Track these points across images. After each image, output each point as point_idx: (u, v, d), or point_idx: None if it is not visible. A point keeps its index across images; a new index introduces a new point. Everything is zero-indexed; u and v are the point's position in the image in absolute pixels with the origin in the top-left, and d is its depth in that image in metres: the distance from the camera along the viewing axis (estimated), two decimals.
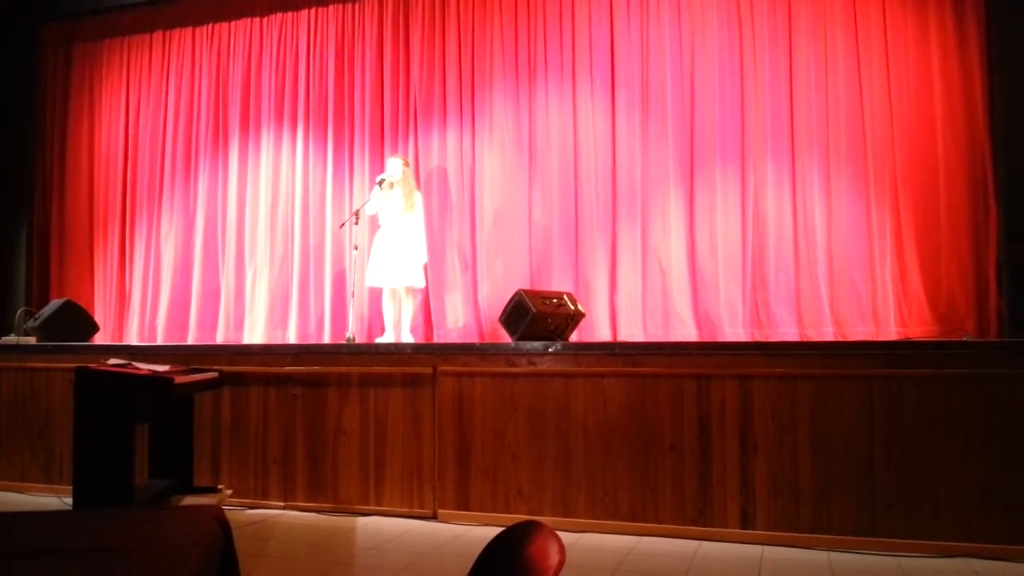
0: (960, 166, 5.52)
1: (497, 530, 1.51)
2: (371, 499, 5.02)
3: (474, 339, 6.37)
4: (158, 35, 7.87)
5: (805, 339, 5.61)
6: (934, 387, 4.12)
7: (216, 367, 5.10)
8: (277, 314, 7.09)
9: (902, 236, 5.61)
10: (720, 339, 5.81)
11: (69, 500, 4.43)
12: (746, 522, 4.31)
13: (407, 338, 6.30)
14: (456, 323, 6.55)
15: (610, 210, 6.29)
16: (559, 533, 1.48)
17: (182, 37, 7.79)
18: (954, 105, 5.56)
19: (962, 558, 3.94)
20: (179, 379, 4.26)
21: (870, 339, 5.46)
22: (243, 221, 7.33)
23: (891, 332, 5.51)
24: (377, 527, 4.73)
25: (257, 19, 7.52)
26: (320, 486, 5.12)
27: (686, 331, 5.94)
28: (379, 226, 6.46)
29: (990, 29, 5.50)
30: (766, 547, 4.19)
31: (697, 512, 4.38)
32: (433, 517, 4.86)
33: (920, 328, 5.47)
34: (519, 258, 6.45)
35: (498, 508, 4.73)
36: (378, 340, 6.36)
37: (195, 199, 7.55)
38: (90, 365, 4.13)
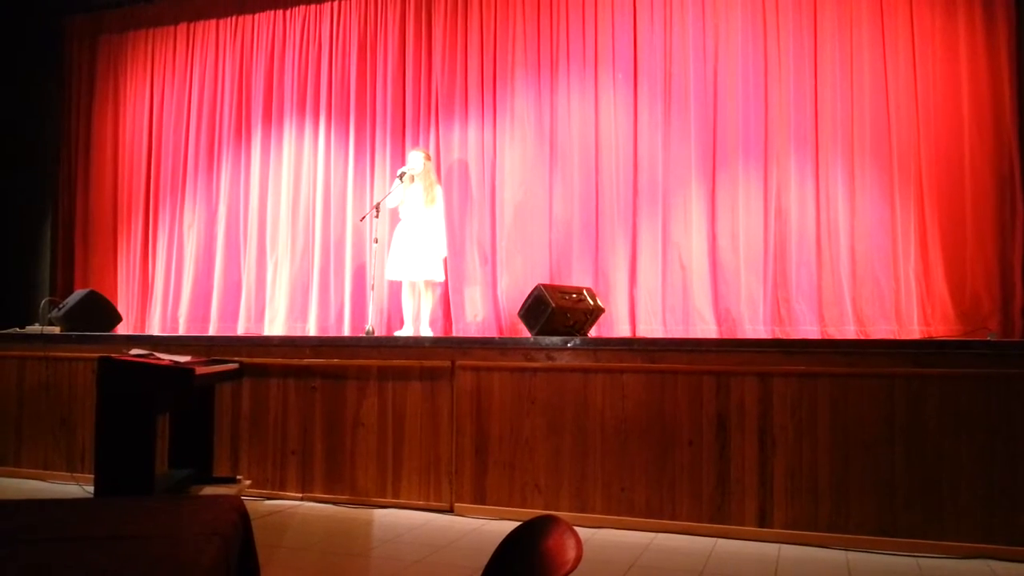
0: (986, 163, 5.45)
1: (514, 524, 1.51)
2: (388, 491, 5.03)
3: (493, 333, 6.38)
4: (182, 27, 7.93)
5: (826, 337, 5.57)
6: (957, 387, 4.07)
7: (237, 358, 5.12)
8: (297, 306, 7.13)
9: (926, 234, 5.55)
10: (740, 336, 5.78)
11: (90, 488, 4.47)
12: (763, 520, 4.28)
13: (426, 332, 6.32)
14: (475, 317, 6.56)
15: (631, 205, 6.27)
16: (576, 528, 1.48)
17: (206, 29, 7.84)
18: (981, 102, 5.49)
19: (982, 560, 3.90)
20: (200, 370, 4.29)
21: (893, 338, 5.41)
22: (265, 213, 7.37)
23: (914, 331, 5.46)
24: (394, 519, 4.75)
25: (280, 11, 7.55)
26: (338, 478, 5.15)
27: (706, 327, 5.91)
28: (399, 219, 6.47)
29: (1019, 26, 5.43)
30: (783, 545, 4.16)
31: (714, 509, 4.37)
32: (450, 510, 4.87)
33: (944, 327, 5.42)
34: (539, 252, 6.45)
35: (515, 502, 4.73)
36: (397, 333, 6.38)
37: (218, 191, 7.61)
38: (113, 355, 4.16)
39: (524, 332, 5.34)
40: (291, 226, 7.25)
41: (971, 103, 5.51)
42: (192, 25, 7.90)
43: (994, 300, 5.37)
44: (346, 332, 6.86)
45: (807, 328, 5.71)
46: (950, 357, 4.17)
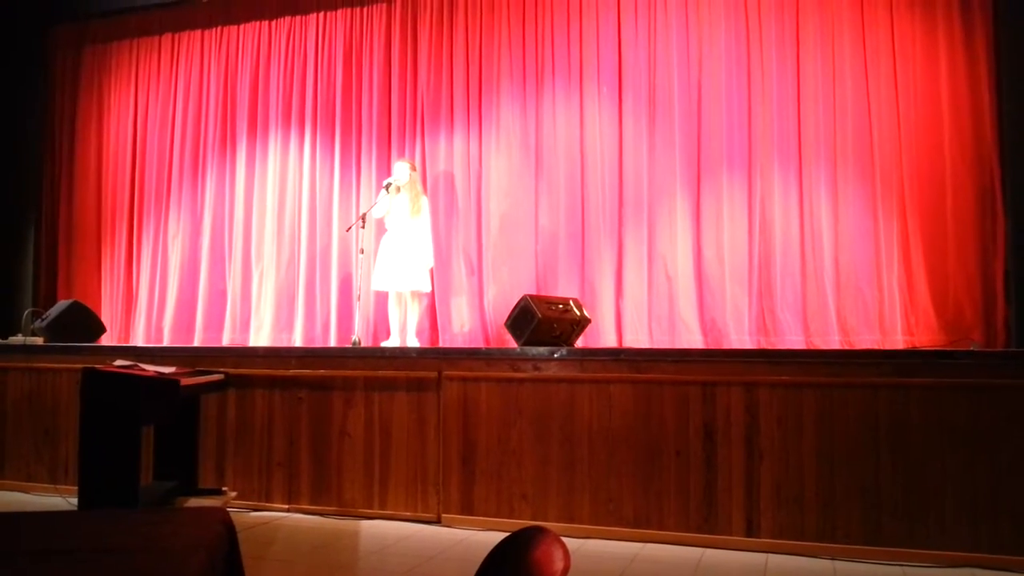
0: (967, 174, 5.50)
1: (501, 535, 1.51)
2: (375, 503, 5.01)
3: (480, 344, 6.38)
4: (167, 37, 7.90)
5: (811, 347, 5.59)
6: (941, 396, 4.10)
7: (222, 369, 5.11)
8: (283, 317, 7.10)
9: (909, 245, 5.60)
10: (726, 346, 5.80)
11: (74, 501, 4.43)
12: (751, 530, 4.29)
13: (412, 342, 6.31)
14: (462, 328, 6.56)
15: (616, 216, 6.29)
16: (563, 539, 1.48)
17: (191, 40, 7.82)
18: (961, 113, 5.55)
19: (968, 568, 3.92)
20: (185, 381, 4.27)
21: (877, 348, 5.45)
22: (250, 223, 7.34)
23: (898, 341, 5.49)
24: (381, 531, 4.73)
25: (266, 22, 7.54)
26: (324, 489, 5.12)
27: (692, 338, 5.93)
28: (385, 230, 6.47)
29: (998, 38, 5.49)
30: (770, 555, 4.18)
31: (702, 519, 4.37)
32: (437, 521, 4.85)
33: (927, 337, 5.45)
34: (525, 263, 6.45)
35: (502, 513, 4.72)
36: (383, 344, 6.36)
37: (202, 201, 7.57)
38: (97, 366, 4.14)
39: (511, 343, 5.34)
40: (276, 237, 7.23)
41: (952, 116, 5.56)
42: (177, 35, 7.87)
43: (977, 310, 5.42)
44: (332, 343, 6.84)
45: (792, 338, 5.73)
46: (934, 367, 4.20)
